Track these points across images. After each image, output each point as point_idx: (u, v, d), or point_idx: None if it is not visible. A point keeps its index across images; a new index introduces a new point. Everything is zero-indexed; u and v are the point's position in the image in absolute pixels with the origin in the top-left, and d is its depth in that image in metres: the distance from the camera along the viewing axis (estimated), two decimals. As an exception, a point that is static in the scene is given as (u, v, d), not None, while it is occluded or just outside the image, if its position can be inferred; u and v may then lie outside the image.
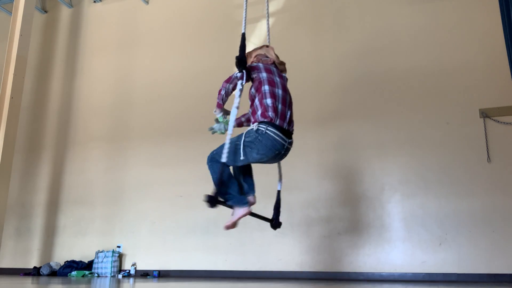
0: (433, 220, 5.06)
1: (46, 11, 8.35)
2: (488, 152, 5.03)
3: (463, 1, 5.62)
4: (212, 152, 3.11)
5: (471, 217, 4.93)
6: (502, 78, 5.06)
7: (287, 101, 3.13)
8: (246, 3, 3.33)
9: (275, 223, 3.46)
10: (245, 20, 3.24)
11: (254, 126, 2.97)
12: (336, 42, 6.10)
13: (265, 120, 2.95)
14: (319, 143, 5.61)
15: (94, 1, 7.95)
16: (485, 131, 5.10)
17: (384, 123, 5.55)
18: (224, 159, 2.90)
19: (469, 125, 5.19)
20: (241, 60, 3.02)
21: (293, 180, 5.48)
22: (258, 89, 3.07)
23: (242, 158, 2.96)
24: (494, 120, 5.10)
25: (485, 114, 5.14)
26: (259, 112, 3.00)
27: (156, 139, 6.69)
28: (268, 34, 3.87)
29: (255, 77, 3.13)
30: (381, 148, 5.47)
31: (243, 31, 3.16)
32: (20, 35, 6.19)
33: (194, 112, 6.54)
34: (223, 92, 3.09)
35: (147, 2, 7.50)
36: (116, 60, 7.43)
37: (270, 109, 2.97)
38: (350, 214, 5.39)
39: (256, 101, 3.05)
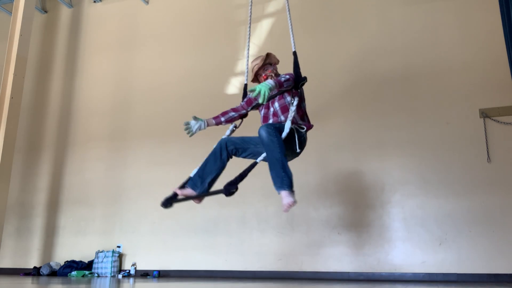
0: (433, 220, 5.06)
1: (46, 11, 8.35)
2: (488, 152, 5.03)
3: (463, 1, 5.62)
4: None
5: (471, 217, 4.93)
6: (502, 78, 5.06)
7: None
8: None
9: (226, 186, 2.82)
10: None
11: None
12: (336, 42, 6.09)
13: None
14: (318, 142, 5.59)
15: (94, 1, 7.94)
16: (485, 131, 5.10)
17: (384, 123, 5.55)
18: None
19: (469, 125, 5.19)
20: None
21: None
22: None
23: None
24: (494, 120, 5.10)
25: (485, 114, 5.14)
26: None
27: (156, 139, 6.69)
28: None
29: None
30: (381, 148, 5.47)
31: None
32: (20, 35, 6.18)
33: (194, 112, 6.48)
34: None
35: (147, 2, 7.49)
36: (116, 60, 7.43)
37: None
38: (350, 214, 5.39)
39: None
